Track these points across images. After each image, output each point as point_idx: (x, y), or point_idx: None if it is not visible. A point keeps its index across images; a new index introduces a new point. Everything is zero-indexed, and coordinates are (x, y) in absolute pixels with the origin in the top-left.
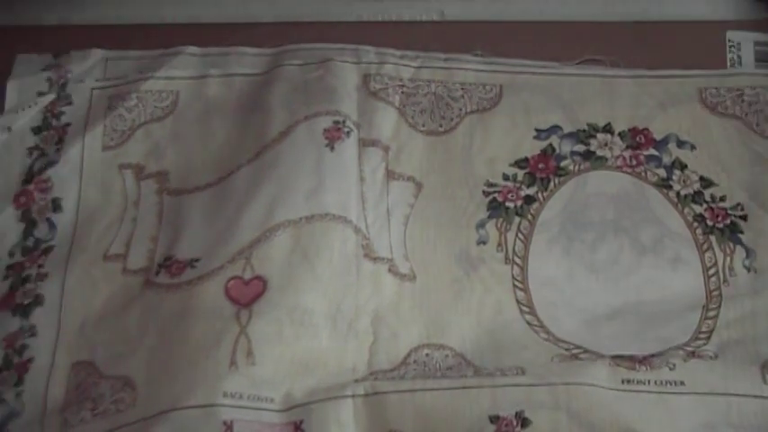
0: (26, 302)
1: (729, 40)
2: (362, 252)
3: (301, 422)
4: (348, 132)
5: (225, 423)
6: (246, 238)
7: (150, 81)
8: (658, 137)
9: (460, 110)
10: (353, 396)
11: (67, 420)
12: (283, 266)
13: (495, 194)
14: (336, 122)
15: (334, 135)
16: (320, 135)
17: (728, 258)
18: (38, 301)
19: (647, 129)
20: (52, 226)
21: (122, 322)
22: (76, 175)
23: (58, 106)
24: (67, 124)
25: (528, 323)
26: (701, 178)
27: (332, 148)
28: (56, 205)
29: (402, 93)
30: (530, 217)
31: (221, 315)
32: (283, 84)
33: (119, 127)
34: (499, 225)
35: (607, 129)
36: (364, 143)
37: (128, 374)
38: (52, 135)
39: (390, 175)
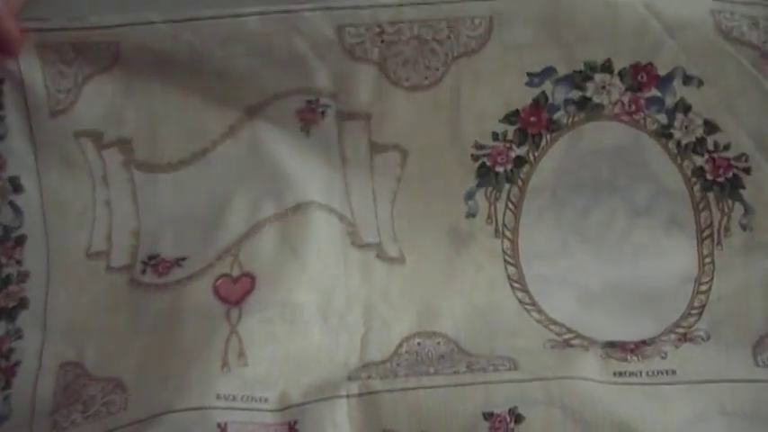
0: (11, 305)
1: None
2: (349, 240)
3: (295, 422)
4: (323, 112)
5: (219, 425)
6: (233, 235)
7: (82, 32)
8: (663, 72)
9: (446, 55)
10: (348, 396)
11: (57, 423)
12: (271, 262)
13: (485, 158)
14: (310, 102)
15: (308, 117)
16: (294, 118)
17: (725, 218)
18: (23, 304)
19: (650, 63)
20: (17, 210)
21: (110, 322)
22: (29, 147)
23: None
24: (0, 80)
25: (520, 301)
26: (706, 122)
27: (307, 133)
28: (15, 185)
29: (382, 42)
30: (520, 182)
31: (211, 315)
32: (240, 45)
33: (62, 86)
34: (488, 194)
35: (606, 67)
36: (343, 117)
37: (118, 376)
38: None
39: (374, 148)
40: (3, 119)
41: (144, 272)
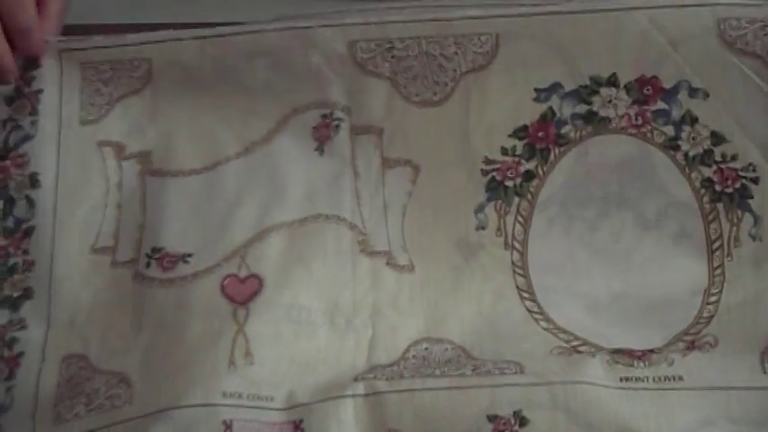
0: (15, 295)
1: None
2: (358, 248)
3: (301, 421)
4: (337, 126)
5: (225, 423)
6: (240, 237)
7: (120, 49)
8: (668, 85)
9: (455, 71)
10: (354, 396)
11: (61, 415)
12: (279, 265)
13: (494, 173)
14: (324, 116)
15: (323, 134)
16: (309, 136)
17: (735, 228)
18: (27, 294)
19: (655, 77)
20: (31, 203)
21: (115, 316)
22: (54, 149)
23: (27, 70)
24: (40, 91)
25: (528, 310)
26: (713, 134)
27: (321, 152)
28: (33, 180)
29: (392, 57)
30: (529, 196)
31: (218, 313)
32: (262, 59)
33: (96, 101)
34: (498, 208)
35: (611, 81)
36: (356, 131)
37: (123, 370)
38: (24, 104)
39: (386, 163)
40: (35, 123)
41: (148, 265)
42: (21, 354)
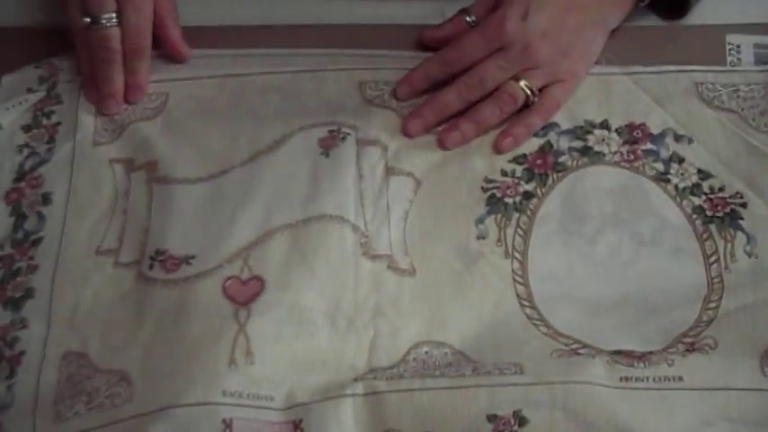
0: (17, 295)
1: (729, 43)
2: (361, 250)
3: (300, 421)
4: (344, 138)
5: (224, 421)
6: (243, 240)
7: None
8: (655, 131)
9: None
10: (353, 395)
11: (61, 413)
12: (281, 267)
13: (494, 190)
14: (332, 131)
15: (329, 143)
16: (315, 144)
17: (729, 245)
18: (29, 294)
19: (643, 124)
20: (41, 218)
21: (116, 315)
22: (67, 170)
23: (47, 105)
24: (58, 123)
25: (528, 317)
26: (699, 171)
27: (327, 155)
28: (46, 199)
29: (397, 97)
30: (528, 213)
31: (220, 313)
32: (275, 94)
33: (109, 126)
34: (498, 221)
35: (604, 125)
36: (363, 143)
37: (123, 369)
38: (42, 134)
39: (389, 170)
40: (51, 149)
41: (152, 267)
42: (22, 352)
